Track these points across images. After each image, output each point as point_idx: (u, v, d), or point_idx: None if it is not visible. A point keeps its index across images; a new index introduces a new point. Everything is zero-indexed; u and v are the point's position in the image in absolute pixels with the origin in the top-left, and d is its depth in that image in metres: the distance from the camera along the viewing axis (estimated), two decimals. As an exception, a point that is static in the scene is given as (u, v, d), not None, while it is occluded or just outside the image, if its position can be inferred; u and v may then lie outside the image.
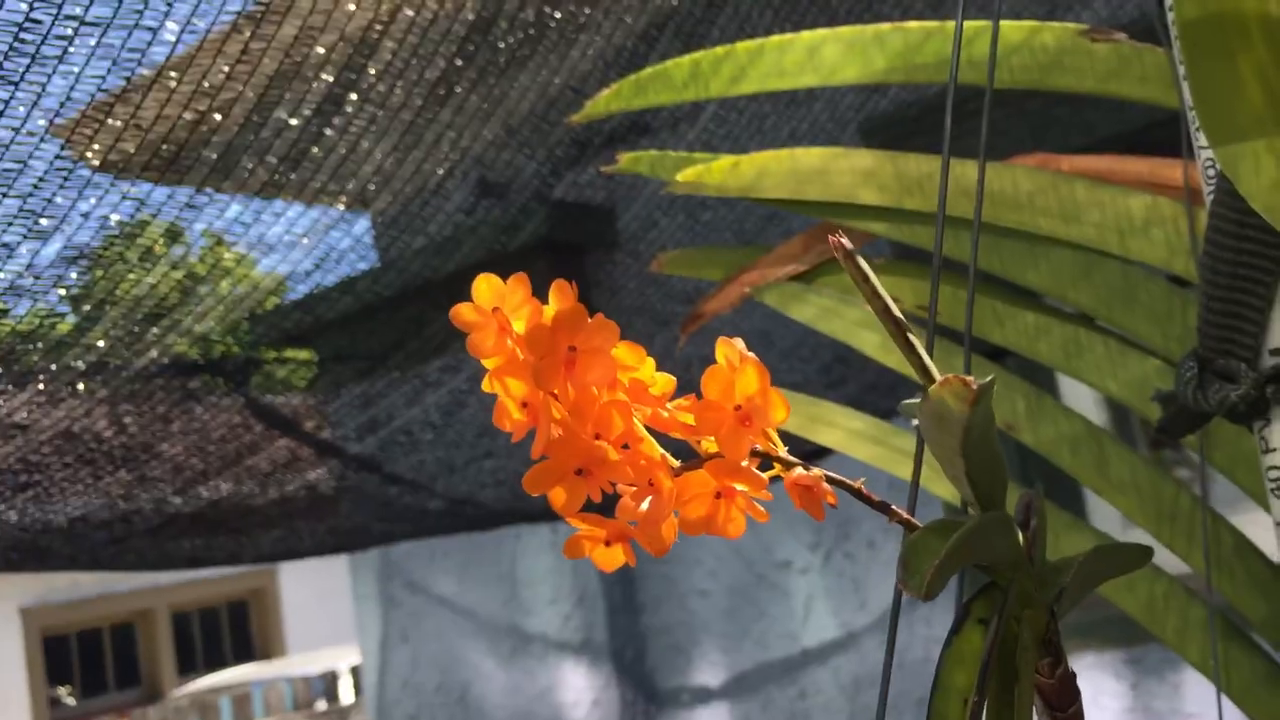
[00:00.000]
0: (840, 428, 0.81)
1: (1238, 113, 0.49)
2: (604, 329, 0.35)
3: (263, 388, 1.85)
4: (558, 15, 1.10)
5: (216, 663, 10.33)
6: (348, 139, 1.16)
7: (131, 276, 1.28)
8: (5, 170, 0.89)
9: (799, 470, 0.38)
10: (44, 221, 0.95)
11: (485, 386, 0.36)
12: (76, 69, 0.83)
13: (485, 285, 0.36)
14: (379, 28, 0.99)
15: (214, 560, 2.11)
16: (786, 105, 1.82)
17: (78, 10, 0.78)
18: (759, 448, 0.38)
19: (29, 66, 0.80)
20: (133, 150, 0.95)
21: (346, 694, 6.59)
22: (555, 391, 0.35)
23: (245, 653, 10.70)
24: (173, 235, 1.42)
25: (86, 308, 1.28)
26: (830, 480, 0.41)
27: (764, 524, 0.37)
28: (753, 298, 0.86)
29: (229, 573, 10.41)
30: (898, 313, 0.43)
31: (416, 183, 1.56)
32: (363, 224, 1.98)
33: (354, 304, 1.92)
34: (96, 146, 0.91)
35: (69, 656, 10.11)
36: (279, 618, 10.85)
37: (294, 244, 1.61)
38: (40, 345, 1.12)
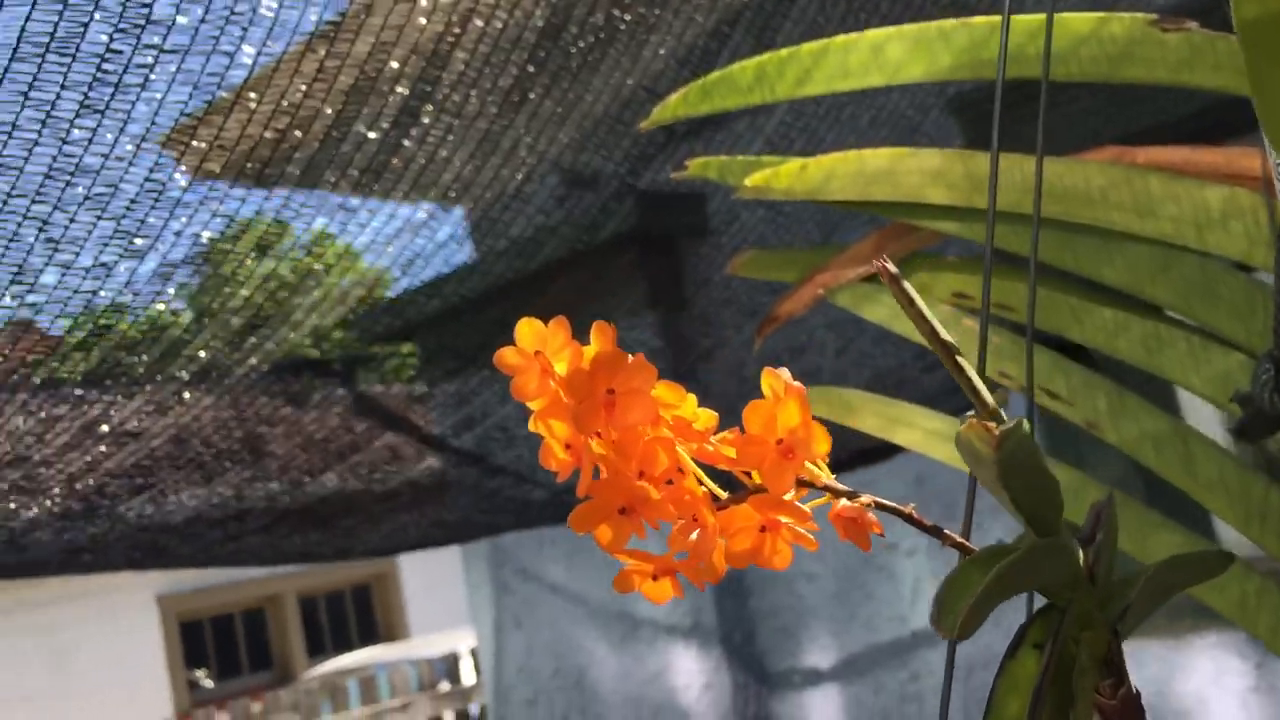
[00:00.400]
0: (919, 428, 0.81)
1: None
2: (642, 370, 0.36)
3: (367, 383, 1.90)
4: (627, 18, 1.11)
5: (343, 645, 10.62)
6: (426, 148, 1.19)
7: (238, 277, 1.33)
8: (99, 194, 0.93)
9: (843, 502, 0.38)
10: (138, 241, 1.00)
11: (531, 427, 0.37)
12: (159, 95, 0.87)
13: (527, 329, 0.37)
14: (450, 39, 1.01)
15: (325, 555, 2.18)
16: (864, 91, 1.79)
17: (156, 39, 0.82)
18: (805, 478, 0.39)
19: (113, 94, 0.84)
20: (218, 170, 0.99)
21: (468, 675, 6.73)
22: (599, 431, 0.36)
23: (370, 635, 10.98)
24: (277, 234, 1.47)
25: (191, 314, 1.34)
26: (880, 506, 0.41)
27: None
28: (826, 299, 0.86)
29: (352, 558, 10.68)
30: (946, 336, 0.43)
31: (497, 186, 1.58)
32: (453, 223, 2.02)
33: (446, 303, 1.96)
34: (184, 166, 0.95)
35: (204, 641, 10.49)
36: (400, 601, 11.12)
37: (389, 242, 1.66)
38: (147, 355, 1.18)
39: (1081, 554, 0.44)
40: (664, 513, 0.37)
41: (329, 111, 1.02)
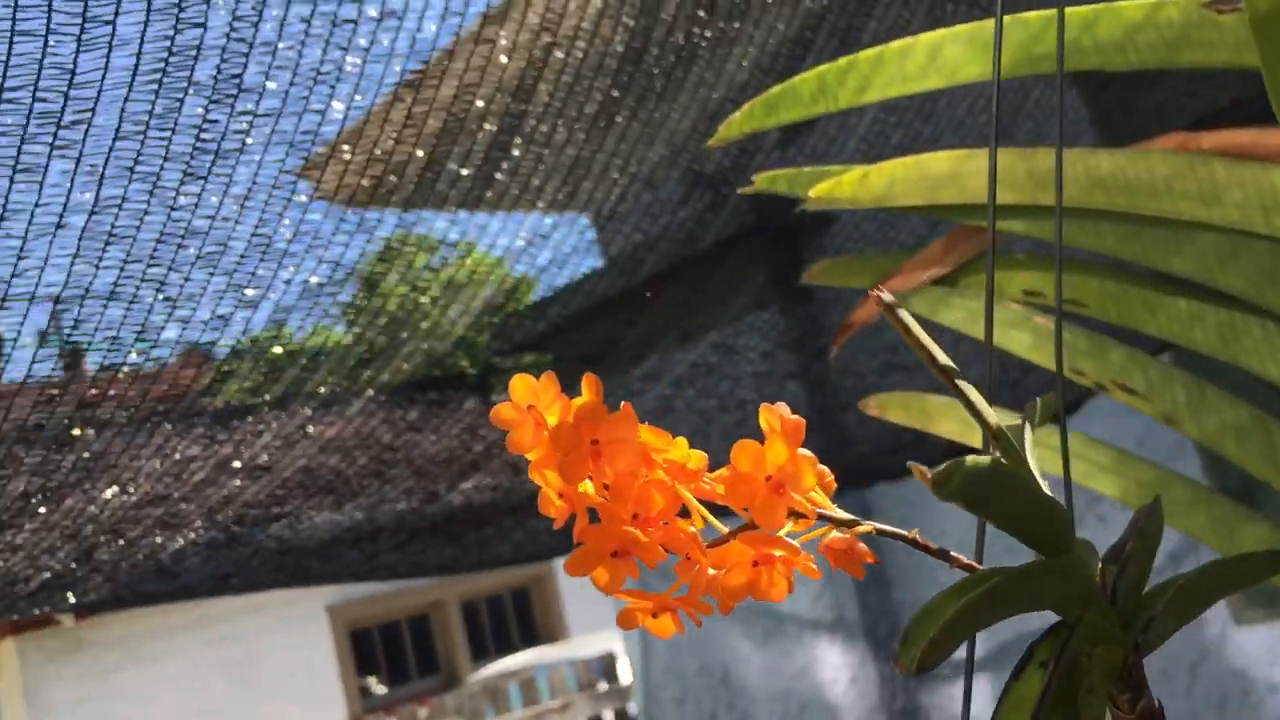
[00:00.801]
0: (958, 421, 0.80)
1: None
2: (624, 421, 0.38)
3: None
4: (707, 34, 1.12)
5: (505, 647, 10.84)
6: (518, 180, 1.22)
7: (384, 294, 1.40)
8: (210, 253, 0.99)
9: (834, 534, 0.39)
10: (250, 292, 1.06)
11: (530, 475, 0.39)
12: (257, 157, 0.92)
13: (521, 385, 0.39)
14: (534, 73, 1.04)
15: (460, 567, 2.24)
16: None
17: (250, 106, 0.87)
18: (798, 509, 0.40)
19: (213, 162, 0.89)
20: (321, 216, 1.04)
21: (625, 674, 6.81)
22: (590, 478, 0.38)
23: (530, 636, 11.18)
24: (417, 249, 1.54)
25: (346, 334, 1.41)
26: (881, 533, 0.42)
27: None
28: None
29: (509, 562, 10.91)
30: (946, 361, 0.43)
31: (617, 193, 1.61)
32: (579, 230, 2.06)
33: (575, 310, 2.00)
34: (286, 220, 1.01)
35: (373, 648, 10.84)
36: (558, 602, 11.29)
37: (522, 253, 1.70)
38: (268, 395, 1.24)
39: (1100, 569, 0.44)
40: (653, 554, 0.38)
41: (420, 154, 1.07)
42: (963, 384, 0.43)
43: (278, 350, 1.32)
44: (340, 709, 9.94)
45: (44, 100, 0.76)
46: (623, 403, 0.38)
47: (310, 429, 1.31)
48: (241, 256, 1.02)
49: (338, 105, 0.93)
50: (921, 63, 0.82)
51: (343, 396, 1.36)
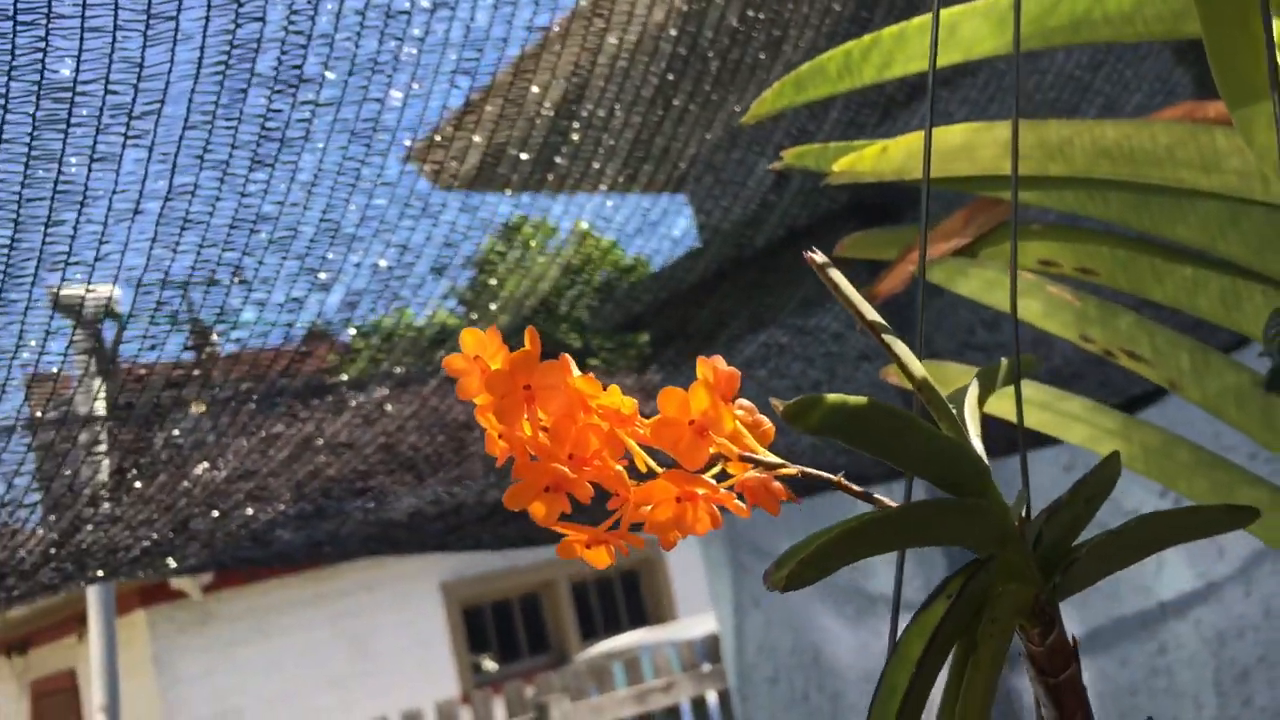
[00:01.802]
0: (1008, 396, 0.82)
1: (1252, 76, 0.48)
2: (555, 368, 0.42)
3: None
4: (762, 16, 1.14)
5: (614, 628, 10.97)
6: (583, 157, 1.27)
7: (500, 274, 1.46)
8: (281, 237, 1.05)
9: (751, 472, 0.43)
10: (323, 275, 1.12)
11: (477, 417, 0.43)
12: (321, 145, 0.98)
13: (469, 337, 0.43)
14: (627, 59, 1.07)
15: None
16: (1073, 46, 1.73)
17: (311, 95, 0.93)
18: (722, 452, 0.43)
19: (280, 149, 0.95)
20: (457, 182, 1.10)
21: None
22: (529, 421, 0.42)
23: (638, 618, 11.30)
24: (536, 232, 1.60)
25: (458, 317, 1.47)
26: (807, 475, 0.45)
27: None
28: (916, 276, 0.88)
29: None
30: (874, 316, 0.46)
31: (715, 173, 1.65)
32: (678, 211, 2.10)
33: (674, 289, 2.04)
34: (430, 180, 1.06)
35: (486, 626, 11.08)
36: (668, 584, 11.38)
37: (629, 235, 1.75)
38: (395, 369, 1.31)
39: (1021, 514, 0.46)
40: (584, 490, 0.42)
41: (479, 140, 1.12)
42: (888, 337, 0.46)
43: (402, 331, 1.40)
44: (452, 683, 10.17)
45: (115, 93, 0.83)
46: (561, 354, 0.42)
47: (389, 407, 1.38)
48: (313, 240, 1.08)
49: (395, 94, 0.98)
50: (940, 39, 0.83)
51: (420, 375, 1.42)
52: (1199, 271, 0.74)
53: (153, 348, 1.12)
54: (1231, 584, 2.76)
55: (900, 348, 0.46)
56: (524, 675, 10.15)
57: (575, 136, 1.34)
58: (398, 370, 1.37)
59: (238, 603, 9.85)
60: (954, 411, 0.45)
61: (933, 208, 1.27)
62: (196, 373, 1.16)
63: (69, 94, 0.80)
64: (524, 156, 1.33)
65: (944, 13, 0.85)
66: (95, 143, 0.85)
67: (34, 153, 0.82)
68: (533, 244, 1.62)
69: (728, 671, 3.96)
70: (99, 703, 2.80)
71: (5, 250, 0.88)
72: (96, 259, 0.94)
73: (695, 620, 8.50)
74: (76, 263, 0.94)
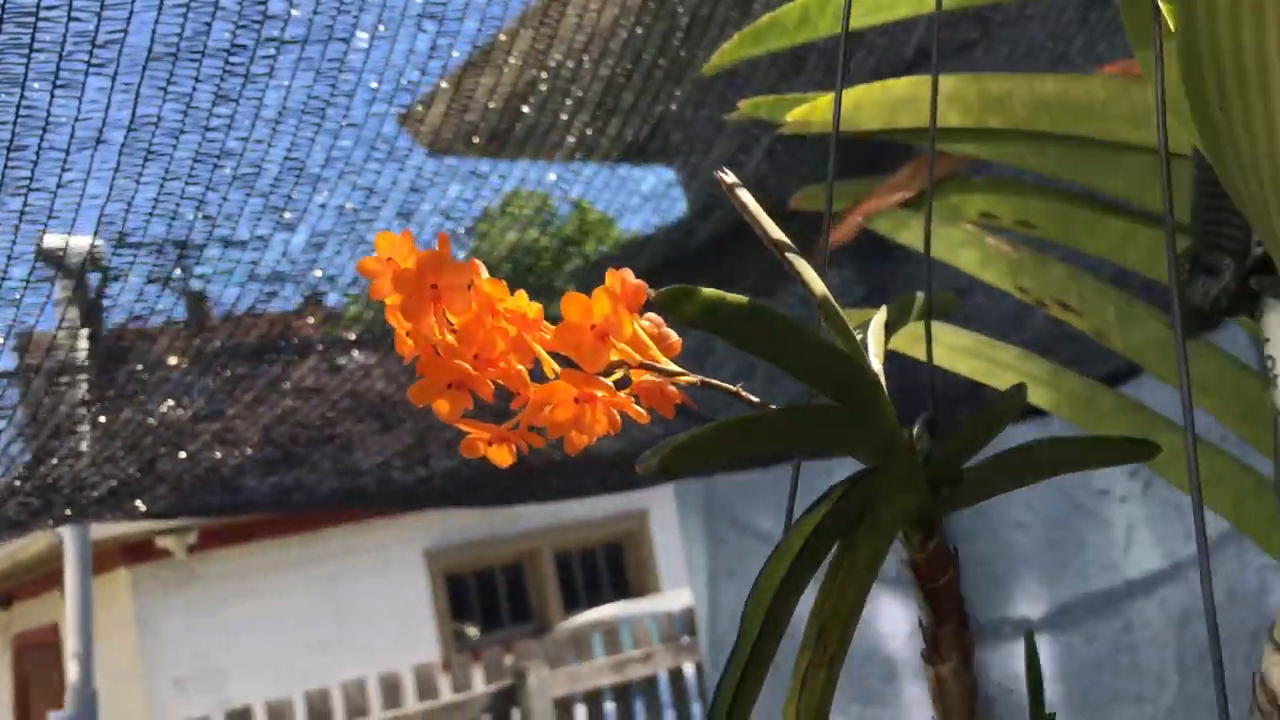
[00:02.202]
0: (944, 344, 0.84)
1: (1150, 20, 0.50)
2: (461, 269, 0.43)
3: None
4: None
5: (597, 600, 11.02)
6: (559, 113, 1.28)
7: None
8: (245, 174, 1.06)
9: (647, 376, 0.44)
10: (287, 215, 1.13)
11: (387, 317, 0.45)
12: (286, 83, 0.99)
13: (383, 240, 0.45)
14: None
15: (515, 499, 2.32)
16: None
17: (275, 32, 0.93)
18: (623, 359, 0.45)
19: (243, 85, 0.96)
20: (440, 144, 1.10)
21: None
22: (436, 321, 0.44)
23: (622, 590, 11.36)
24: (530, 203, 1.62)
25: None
26: (707, 384, 0.47)
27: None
28: (866, 227, 0.90)
29: (605, 516, 11.12)
30: (778, 235, 0.48)
31: (704, 143, 1.65)
32: (666, 181, 2.11)
33: (665, 258, 2.05)
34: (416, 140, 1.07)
35: (469, 594, 11.13)
36: (652, 557, 11.44)
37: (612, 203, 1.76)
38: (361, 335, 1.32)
39: (913, 429, 0.48)
40: (485, 388, 0.44)
41: (444, 86, 1.13)
42: (792, 257, 0.48)
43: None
44: (434, 650, 10.22)
45: (77, 19, 0.84)
46: (472, 260, 0.44)
47: (356, 353, 1.39)
48: (277, 179, 1.09)
49: (361, 35, 0.99)
50: (887, -7, 0.85)
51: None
52: (1128, 224, 0.75)
53: (116, 278, 1.13)
54: (1197, 564, 2.79)
55: (802, 265, 0.47)
56: (505, 644, 10.22)
57: (555, 101, 1.36)
58: (370, 335, 1.39)
59: (222, 563, 9.88)
60: (851, 329, 0.46)
61: (891, 160, 1.28)
62: (160, 308, 1.18)
63: (32, 18, 0.81)
64: (510, 120, 1.34)
65: (894, -33, 0.86)
66: (58, 69, 0.86)
67: (-7, 76, 0.84)
68: (523, 213, 1.63)
69: (701, 640, 3.99)
70: (72, 650, 2.83)
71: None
72: (59, 185, 0.96)
73: (677, 594, 8.55)
74: (39, 189, 0.95)
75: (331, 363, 1.36)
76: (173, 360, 1.22)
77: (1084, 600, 3.12)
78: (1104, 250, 0.76)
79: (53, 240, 1.26)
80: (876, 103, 0.84)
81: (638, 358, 0.45)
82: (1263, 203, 0.38)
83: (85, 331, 1.18)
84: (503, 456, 0.45)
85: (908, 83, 0.83)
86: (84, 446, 1.28)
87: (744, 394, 0.46)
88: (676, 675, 6.25)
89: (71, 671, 2.81)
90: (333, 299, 1.35)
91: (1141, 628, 2.94)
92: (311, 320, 1.29)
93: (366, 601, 10.31)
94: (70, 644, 2.82)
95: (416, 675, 5.64)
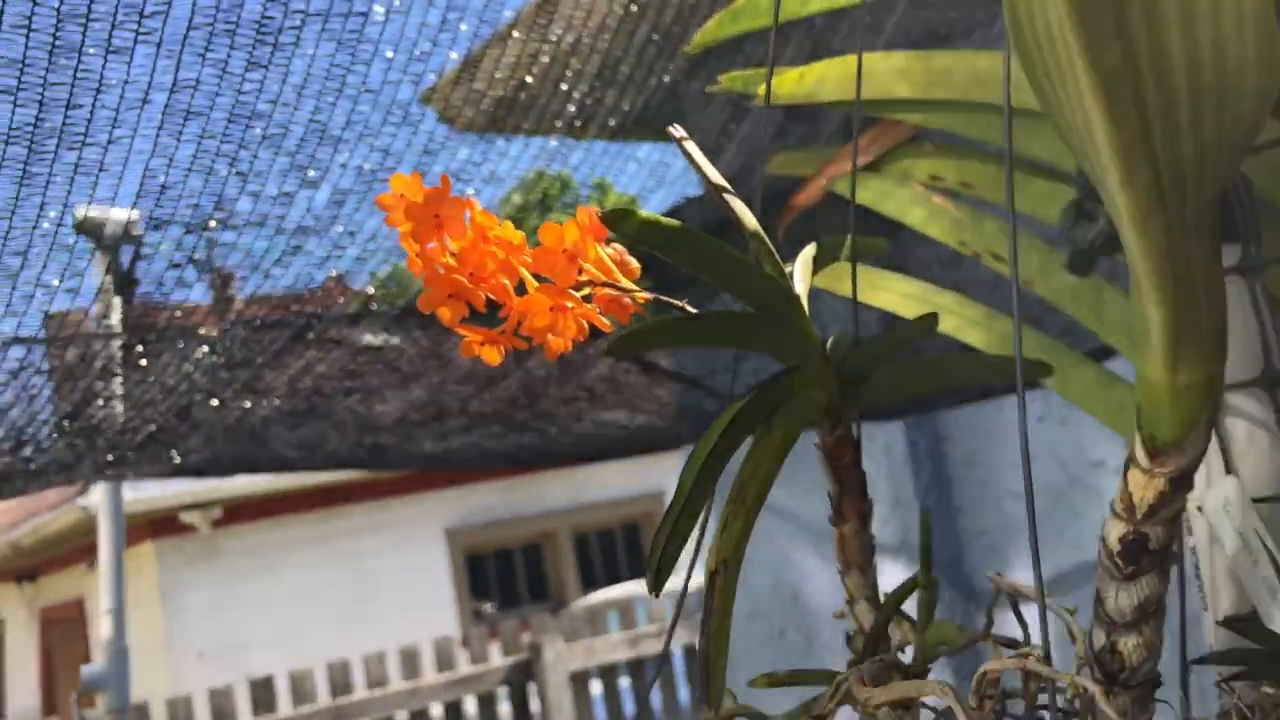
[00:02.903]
0: (894, 291, 0.94)
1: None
2: (459, 203, 0.54)
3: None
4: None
5: (614, 579, 11.15)
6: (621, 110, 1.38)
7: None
8: (273, 134, 1.18)
9: (607, 290, 0.55)
10: (311, 173, 1.25)
11: (401, 242, 0.56)
12: (311, 51, 1.10)
13: (396, 180, 0.56)
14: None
15: (525, 458, 2.44)
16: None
17: (300, 5, 1.04)
18: (591, 279, 0.56)
19: (272, 52, 1.07)
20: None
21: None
22: (439, 245, 0.55)
23: (638, 570, 11.48)
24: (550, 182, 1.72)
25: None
26: (658, 300, 0.58)
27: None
28: (831, 189, 1.01)
29: (622, 498, 11.25)
30: (720, 181, 0.59)
31: (710, 119, 1.75)
32: (675, 155, 2.21)
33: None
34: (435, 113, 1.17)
35: (488, 572, 11.27)
36: (668, 539, 11.55)
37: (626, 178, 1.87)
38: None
39: (831, 337, 0.59)
40: (477, 298, 0.55)
41: (453, 57, 1.24)
42: (729, 198, 0.59)
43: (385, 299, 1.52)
44: (453, 627, 10.36)
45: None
46: (467, 195, 0.55)
47: (374, 306, 1.50)
48: (302, 140, 1.20)
49: (379, 8, 1.10)
50: (846, -18, 0.95)
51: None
52: (1050, 184, 0.86)
53: (157, 227, 1.25)
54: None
55: (737, 204, 0.58)
56: (523, 622, 10.36)
57: (572, 81, 1.46)
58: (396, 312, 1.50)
59: (246, 538, 10.04)
60: (777, 257, 0.57)
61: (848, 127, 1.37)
62: (198, 259, 1.29)
63: (89, -8, 0.93)
64: (536, 100, 1.44)
65: (856, -43, 0.96)
66: (110, 37, 0.97)
67: (57, 43, 0.94)
68: (551, 194, 1.73)
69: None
70: (105, 606, 2.96)
71: (30, 127, 1.01)
72: (109, 142, 1.07)
73: (693, 573, 8.65)
74: (91, 144, 1.07)
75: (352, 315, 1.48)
76: (204, 330, 1.33)
77: (1081, 569, 3.21)
78: (1029, 208, 0.87)
79: (92, 211, 1.37)
80: (838, 77, 0.95)
81: (602, 277, 0.56)
82: (1086, 158, 0.48)
83: (118, 298, 1.29)
84: (492, 356, 0.56)
85: (866, 59, 0.94)
86: (122, 390, 1.39)
87: (686, 306, 0.57)
88: (691, 651, 6.33)
89: (105, 627, 2.94)
90: (355, 271, 1.47)
91: (1133, 594, 3.02)
92: (342, 300, 1.41)
93: (387, 578, 10.45)
94: (103, 600, 2.94)
95: (436, 647, 5.75)
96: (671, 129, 0.58)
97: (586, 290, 0.56)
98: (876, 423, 3.23)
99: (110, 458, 1.57)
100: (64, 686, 10.60)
